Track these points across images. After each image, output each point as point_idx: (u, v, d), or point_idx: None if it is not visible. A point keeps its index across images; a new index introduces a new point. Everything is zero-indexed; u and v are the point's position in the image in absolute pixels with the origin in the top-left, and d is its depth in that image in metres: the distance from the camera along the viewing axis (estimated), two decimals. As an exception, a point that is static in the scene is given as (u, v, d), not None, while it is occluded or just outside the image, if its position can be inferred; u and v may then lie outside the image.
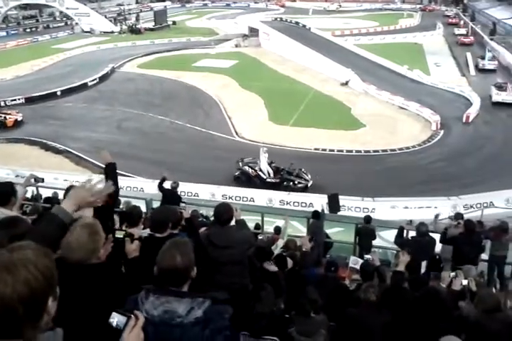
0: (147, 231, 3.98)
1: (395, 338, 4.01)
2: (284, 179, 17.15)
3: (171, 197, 9.27)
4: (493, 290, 7.20)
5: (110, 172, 3.54)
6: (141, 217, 4.87)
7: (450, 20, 60.10)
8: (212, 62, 38.04)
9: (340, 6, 73.02)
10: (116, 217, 5.69)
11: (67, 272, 2.30)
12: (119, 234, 3.91)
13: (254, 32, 45.57)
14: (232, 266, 4.07)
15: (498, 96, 27.13)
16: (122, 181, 15.81)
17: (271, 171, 17.34)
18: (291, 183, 16.94)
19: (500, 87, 27.90)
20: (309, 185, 17.01)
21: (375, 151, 20.66)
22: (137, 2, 76.35)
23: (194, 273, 2.30)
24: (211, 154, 19.85)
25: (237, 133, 23.00)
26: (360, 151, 20.71)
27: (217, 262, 3.91)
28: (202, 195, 15.64)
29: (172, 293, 2.19)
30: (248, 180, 17.38)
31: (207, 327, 2.12)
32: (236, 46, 44.90)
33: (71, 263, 2.35)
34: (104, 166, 3.56)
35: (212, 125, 24.03)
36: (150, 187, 14.68)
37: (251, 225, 10.46)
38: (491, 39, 44.66)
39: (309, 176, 17.25)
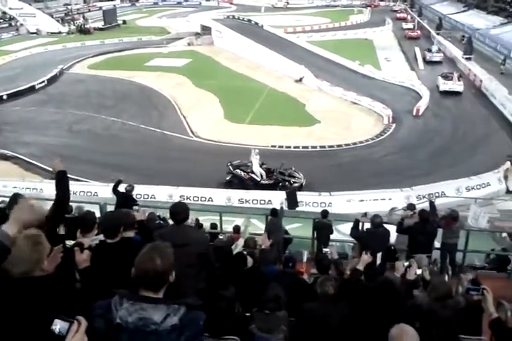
0: (100, 237, 3.88)
1: (352, 330, 4.09)
2: (278, 180, 16.91)
3: (125, 200, 9.08)
4: (446, 277, 7.49)
5: (61, 180, 3.47)
6: (95, 223, 4.72)
7: (398, 15, 62.19)
8: (165, 62, 37.55)
9: (287, 3, 73.79)
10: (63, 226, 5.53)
11: (10, 286, 2.21)
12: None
13: (206, 30, 45.29)
14: (187, 267, 4.02)
15: (444, 85, 28.52)
16: (75, 186, 15.62)
17: (263, 173, 17.03)
18: (287, 183, 16.74)
19: (447, 77, 29.30)
20: (303, 183, 16.88)
21: (330, 147, 20.95)
22: (85, 1, 74.20)
23: (172, 277, 2.27)
24: (167, 155, 19.59)
25: (193, 133, 22.76)
26: (315, 147, 20.96)
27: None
28: (159, 196, 15.39)
29: (147, 300, 2.15)
30: (241, 183, 16.92)
31: (182, 334, 2.11)
32: (189, 44, 44.51)
33: (14, 276, 2.26)
34: (55, 174, 3.46)
35: (167, 125, 23.69)
36: (105, 191, 14.34)
37: (206, 225, 10.50)
38: (438, 33, 46.33)
39: (301, 175, 17.13)
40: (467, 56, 35.84)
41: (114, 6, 64.05)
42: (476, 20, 48.49)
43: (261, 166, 17.05)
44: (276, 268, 5.98)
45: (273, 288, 4.40)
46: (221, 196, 15.55)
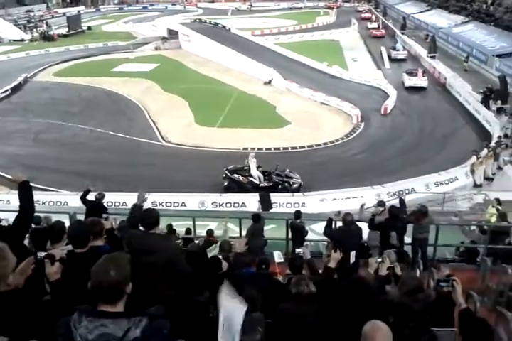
0: (69, 247, 3.79)
1: (327, 328, 4.11)
2: (276, 182, 16.85)
3: (95, 208, 8.90)
4: (418, 271, 7.60)
5: (24, 191, 3.44)
6: (64, 232, 4.62)
7: (363, 15, 63.65)
8: (132, 67, 37.20)
9: (251, 5, 74.28)
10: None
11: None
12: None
13: (173, 34, 45.12)
14: (155, 274, 3.96)
15: (409, 81, 29.66)
16: (44, 196, 15.25)
17: (261, 176, 16.91)
18: (287, 184, 16.70)
19: (411, 73, 30.40)
20: (302, 183, 16.85)
21: (301, 147, 21.08)
22: (47, 7, 72.76)
23: (129, 288, 2.22)
24: (137, 161, 19.32)
25: (163, 138, 22.56)
26: (287, 148, 21.06)
27: (139, 269, 3.80)
28: (130, 203, 15.01)
29: (106, 315, 2.10)
30: (240, 188, 16.73)
31: None
32: (156, 49, 44.25)
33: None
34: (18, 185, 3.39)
35: (137, 131, 23.42)
36: (74, 200, 14.05)
37: (181, 230, 10.41)
38: (402, 33, 47.34)
39: (297, 175, 17.12)
40: (431, 54, 36.72)
41: (79, 11, 63.11)
42: (439, 19, 49.67)
43: (257, 169, 16.95)
44: (251, 270, 5.98)
45: (247, 290, 4.38)
46: (194, 200, 15.41)
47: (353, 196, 15.08)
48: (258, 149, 20.93)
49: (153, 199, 15.38)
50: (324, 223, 8.48)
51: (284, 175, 17.06)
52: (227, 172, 17.06)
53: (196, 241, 9.10)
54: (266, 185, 16.72)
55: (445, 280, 3.85)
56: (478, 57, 34.50)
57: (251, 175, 16.82)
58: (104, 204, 9.82)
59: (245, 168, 17.02)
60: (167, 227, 9.37)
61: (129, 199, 15.37)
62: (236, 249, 6.70)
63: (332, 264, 4.94)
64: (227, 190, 16.73)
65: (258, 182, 16.77)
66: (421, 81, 29.56)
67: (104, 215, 6.84)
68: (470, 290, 5.43)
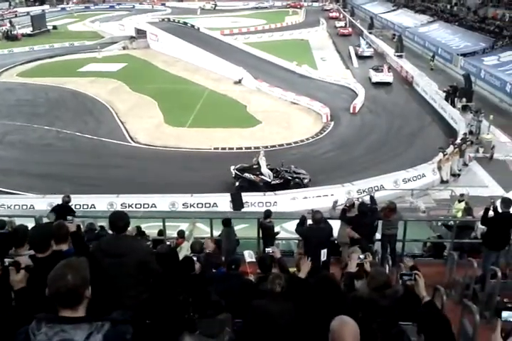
0: (31, 252, 3.67)
1: (298, 325, 4.12)
2: (286, 178, 16.84)
3: (62, 211, 8.68)
4: (386, 267, 7.70)
5: None
6: (27, 236, 4.49)
7: (331, 14, 64.70)
8: (100, 67, 36.61)
9: (215, 5, 74.21)
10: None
11: None
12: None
13: (141, 33, 44.66)
14: (126, 278, 3.88)
15: (376, 77, 30.88)
16: (9, 200, 14.85)
17: (271, 173, 16.92)
18: (297, 180, 16.72)
19: (377, 69, 31.66)
20: (310, 178, 16.92)
21: (272, 146, 21.08)
22: (10, 6, 70.75)
23: (89, 292, 2.17)
24: (106, 162, 18.97)
25: (132, 139, 22.22)
26: (258, 148, 20.94)
27: (109, 273, 3.70)
28: (99, 206, 14.83)
29: (66, 320, 2.05)
30: (252, 186, 16.60)
31: None
32: (124, 49, 43.72)
33: None
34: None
35: (105, 132, 23.02)
36: (41, 203, 13.73)
37: (153, 232, 10.27)
38: (370, 33, 48.10)
39: (303, 170, 17.17)
40: (399, 53, 37.42)
41: (43, 11, 61.70)
42: (405, 19, 50.69)
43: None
44: (222, 270, 5.95)
45: (210, 293, 4.34)
46: (164, 202, 15.21)
47: (324, 194, 15.18)
48: (229, 149, 20.96)
49: (123, 201, 15.22)
50: (295, 222, 8.51)
51: (291, 171, 17.12)
52: (237, 172, 16.96)
53: (168, 243, 9.00)
54: (277, 181, 16.76)
55: (408, 274, 3.90)
56: (443, 56, 35.39)
57: (262, 173, 16.83)
58: (72, 207, 9.63)
59: (254, 166, 17.01)
60: (136, 229, 9.21)
61: (98, 201, 15.19)
62: (206, 248, 6.66)
63: (302, 275, 4.93)
64: (240, 189, 16.44)
65: (270, 180, 16.79)
66: (387, 76, 30.77)
67: (69, 218, 6.64)
68: (437, 284, 5.53)
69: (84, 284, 2.15)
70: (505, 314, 2.95)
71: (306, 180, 16.83)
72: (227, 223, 8.69)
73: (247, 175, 16.86)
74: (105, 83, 31.86)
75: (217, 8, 74.41)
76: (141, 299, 3.87)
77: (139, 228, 9.41)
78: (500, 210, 7.32)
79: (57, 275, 2.12)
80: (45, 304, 2.42)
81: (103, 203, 15.02)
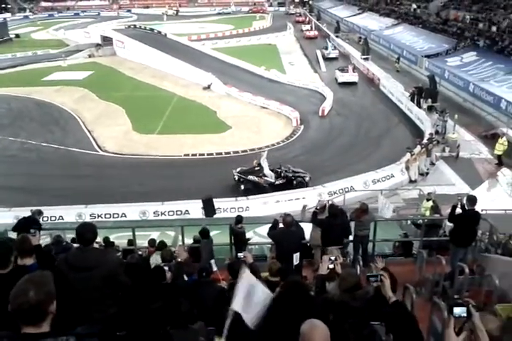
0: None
1: (269, 330, 4.08)
2: (289, 178, 16.97)
3: (27, 224, 8.41)
4: (358, 268, 7.77)
5: None
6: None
7: (297, 18, 65.67)
8: (65, 75, 35.91)
9: (177, 10, 74.19)
10: None
11: None
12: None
13: (107, 41, 44.10)
14: (93, 292, 3.76)
15: (342, 77, 32.22)
16: (-30, 214, 14.28)
17: (273, 174, 17.04)
18: (300, 179, 16.88)
19: (343, 70, 32.98)
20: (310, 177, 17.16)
21: (243, 151, 21.08)
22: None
23: (53, 307, 2.10)
24: (73, 172, 18.50)
25: (99, 147, 21.83)
26: (229, 153, 21.00)
27: (76, 287, 3.59)
28: (67, 217, 14.47)
29: (30, 337, 2.00)
30: (257, 188, 16.70)
31: None
32: (90, 56, 43.10)
33: None
34: None
35: (71, 141, 22.55)
36: (6, 216, 13.29)
37: (124, 242, 10.08)
38: (337, 36, 48.82)
39: (301, 169, 17.38)
40: (365, 56, 38.03)
41: (5, 19, 60.37)
42: (371, 22, 51.62)
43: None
44: (193, 278, 5.88)
45: (182, 303, 4.27)
46: (134, 211, 14.94)
47: (296, 197, 15.23)
48: (199, 155, 20.81)
49: (92, 212, 14.90)
50: (268, 226, 8.48)
51: (290, 170, 17.24)
52: (240, 175, 17.10)
53: (140, 252, 8.85)
54: (280, 182, 16.91)
55: (374, 276, 3.91)
56: (408, 58, 36.15)
57: (265, 175, 16.97)
58: (40, 219, 9.36)
59: (256, 168, 17.17)
60: (104, 240, 9.03)
61: (66, 212, 14.83)
62: (178, 257, 6.56)
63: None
64: (246, 191, 16.56)
65: (273, 181, 16.92)
66: (352, 76, 32.08)
67: (32, 231, 6.42)
68: (408, 283, 5.59)
69: (48, 299, 2.09)
70: (456, 310, 3.00)
71: (307, 178, 17.03)
72: (204, 235, 8.55)
73: (251, 177, 17.01)
74: (71, 92, 31.30)
75: (180, 14, 74.23)
76: (109, 312, 3.75)
77: (106, 239, 9.23)
78: (466, 208, 7.47)
79: (19, 291, 2.06)
80: (8, 321, 2.33)
81: (71, 214, 14.67)
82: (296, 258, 7.07)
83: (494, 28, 30.64)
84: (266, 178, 17.03)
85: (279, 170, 17.22)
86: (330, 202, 8.98)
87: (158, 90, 31.84)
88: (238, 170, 17.31)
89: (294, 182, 16.97)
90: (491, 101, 23.26)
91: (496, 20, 31.38)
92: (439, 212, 10.10)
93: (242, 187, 16.97)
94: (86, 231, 3.85)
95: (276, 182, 16.97)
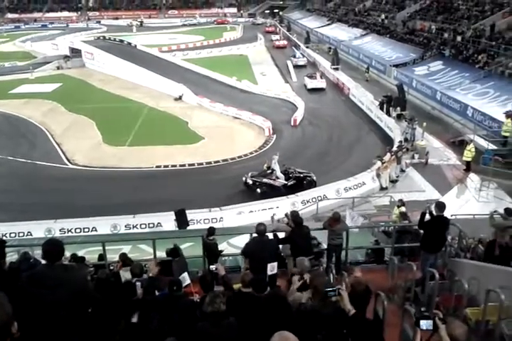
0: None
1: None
2: (300, 178, 17.46)
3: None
4: (331, 276, 7.75)
5: None
6: None
7: (267, 28, 66.51)
8: (33, 88, 35.31)
9: (141, 22, 74.23)
10: None
11: None
12: None
13: (76, 52, 43.57)
14: (61, 309, 3.63)
15: (311, 84, 33.71)
16: None
17: (283, 176, 17.54)
18: (308, 178, 17.44)
19: (311, 77, 34.53)
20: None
21: (216, 162, 21.01)
22: None
23: (15, 328, 2.03)
24: (41, 187, 18.07)
25: (69, 160, 21.42)
26: (202, 164, 20.88)
27: (42, 305, 3.48)
28: (36, 233, 14.07)
29: None
30: (272, 190, 16.98)
31: None
32: (58, 68, 42.51)
33: None
34: None
35: (39, 155, 22.06)
36: (-30, 233, 12.84)
37: (95, 257, 9.83)
38: (307, 47, 49.48)
39: (304, 170, 17.99)
40: (335, 66, 38.61)
41: (-32, 31, 58.89)
42: (340, 32, 52.49)
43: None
44: (165, 293, 5.77)
45: (153, 319, 4.19)
46: (106, 224, 14.65)
47: (270, 207, 15.21)
48: (172, 166, 20.62)
49: (61, 227, 14.53)
50: (242, 237, 8.40)
51: (296, 171, 17.77)
52: (255, 179, 17.48)
53: (111, 267, 8.63)
54: (292, 183, 17.38)
55: (332, 290, 3.89)
56: (377, 67, 36.86)
57: (277, 177, 17.46)
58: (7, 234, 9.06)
59: (268, 171, 17.65)
60: (71, 257, 8.78)
61: (34, 227, 14.43)
62: (149, 272, 6.43)
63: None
64: (263, 194, 16.87)
65: (286, 182, 17.35)
66: (320, 83, 33.61)
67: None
68: (381, 290, 5.61)
69: (10, 320, 2.01)
70: (423, 323, 3.04)
71: (314, 177, 17.54)
72: (175, 253, 8.33)
73: (265, 180, 17.39)
74: (39, 104, 30.75)
75: (145, 25, 74.10)
76: (78, 329, 3.64)
77: (74, 255, 8.99)
78: (434, 214, 7.58)
79: None
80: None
81: (40, 230, 14.29)
82: (271, 268, 6.99)
83: (459, 38, 31.56)
84: (279, 180, 17.44)
85: (288, 172, 17.76)
86: (290, 211, 8.84)
87: (129, 102, 31.57)
88: (250, 174, 17.73)
89: (304, 182, 17.42)
90: (457, 109, 23.85)
91: (461, 30, 32.36)
92: (407, 218, 10.24)
93: (259, 190, 17.27)
94: (52, 247, 3.74)
95: (289, 183, 17.39)
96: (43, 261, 3.87)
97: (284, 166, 17.97)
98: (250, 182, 17.54)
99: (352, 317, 3.69)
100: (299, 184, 17.33)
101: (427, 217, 7.66)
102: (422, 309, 4.67)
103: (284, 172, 17.79)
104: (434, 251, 7.64)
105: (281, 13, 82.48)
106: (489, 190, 16.40)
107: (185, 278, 6.31)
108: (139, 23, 72.15)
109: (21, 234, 14.06)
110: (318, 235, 9.09)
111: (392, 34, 41.33)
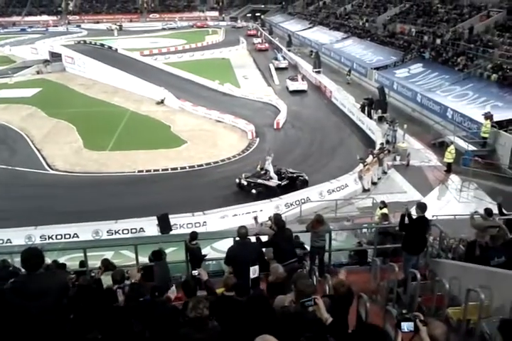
0: None
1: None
2: (292, 178, 17.79)
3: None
4: (314, 278, 7.76)
5: None
6: None
7: (249, 32, 66.83)
8: (12, 92, 34.80)
9: (121, 26, 73.83)
10: None
11: None
12: None
13: (56, 57, 43.10)
14: (46, 315, 3.57)
15: (292, 86, 34.32)
16: None
17: (276, 176, 17.80)
18: (300, 177, 17.78)
19: (293, 79, 35.18)
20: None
21: (199, 166, 20.92)
22: None
23: None
24: (21, 193, 17.70)
25: (49, 166, 21.10)
26: (185, 168, 20.76)
27: (28, 315, 3.46)
28: (16, 240, 13.80)
29: None
30: (268, 190, 17.18)
31: None
32: (38, 73, 41.92)
33: None
34: None
35: (19, 160, 21.67)
36: None
37: (75, 263, 9.70)
38: (289, 50, 49.71)
39: (295, 170, 18.41)
40: (317, 69, 38.84)
41: None
42: (321, 35, 52.79)
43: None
44: (147, 299, 5.72)
45: (133, 325, 4.15)
46: (87, 230, 14.43)
47: (253, 210, 15.16)
48: (154, 170, 20.46)
49: (42, 233, 14.29)
50: (226, 241, 8.35)
51: (288, 172, 18.08)
52: (250, 180, 17.65)
53: (93, 274, 8.52)
54: (285, 182, 17.66)
55: (307, 300, 3.88)
56: (358, 70, 37.16)
57: (271, 177, 17.73)
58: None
59: (262, 172, 17.93)
60: (53, 264, 8.64)
61: (14, 235, 14.17)
62: (131, 278, 6.36)
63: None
64: (259, 195, 17.00)
65: (280, 182, 17.61)
66: (301, 85, 34.15)
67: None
68: (364, 291, 5.63)
69: None
70: (404, 325, 3.06)
71: (306, 177, 17.86)
72: (157, 256, 8.23)
73: (260, 181, 17.56)
74: (18, 109, 30.29)
75: (124, 29, 73.56)
76: (60, 338, 3.63)
77: (55, 262, 8.87)
78: (416, 215, 7.65)
79: None
80: None
81: (20, 237, 14.02)
82: (253, 271, 6.96)
83: (438, 41, 32.07)
84: (273, 180, 17.69)
85: (281, 172, 18.02)
86: (273, 214, 8.81)
87: (110, 106, 31.31)
88: (244, 176, 17.92)
89: (297, 181, 17.71)
90: (437, 111, 24.17)
91: (440, 33, 32.88)
92: (388, 219, 10.32)
93: (254, 191, 17.35)
94: (31, 256, 3.70)
95: (283, 183, 17.62)
96: (23, 270, 3.82)
97: (275, 167, 18.11)
98: (245, 183, 17.69)
99: (330, 326, 3.69)
100: (292, 184, 17.58)
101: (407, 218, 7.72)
102: (404, 311, 4.70)
103: (277, 172, 17.98)
104: (416, 253, 7.70)
105: (262, 16, 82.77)
106: (470, 190, 16.66)
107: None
108: (118, 27, 71.63)
109: (0, 242, 13.78)
110: (302, 238, 9.11)
111: (373, 37, 41.77)
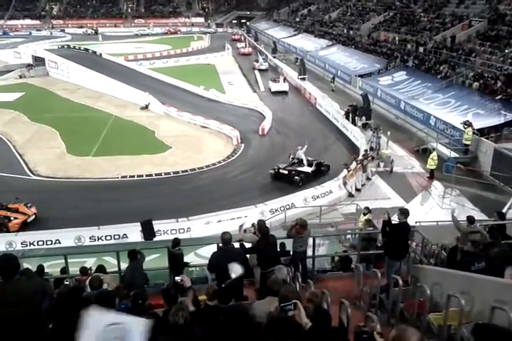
0: None
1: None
2: (318, 164, 19.70)
3: None
4: (297, 284, 7.73)
5: None
6: None
7: (233, 37, 67.77)
8: (-6, 97, 34.26)
9: (96, 30, 73.63)
10: None
11: None
12: None
13: (39, 61, 42.73)
14: (25, 322, 3.50)
15: (274, 87, 36.41)
16: None
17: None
18: (325, 163, 20.00)
19: (275, 80, 37.35)
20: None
21: (183, 171, 20.81)
22: None
23: None
24: (2, 199, 17.29)
25: (31, 171, 20.79)
26: (169, 173, 20.65)
27: (7, 324, 3.38)
28: (-4, 248, 13.56)
29: None
30: (307, 177, 18.85)
31: None
32: (20, 77, 41.55)
33: None
34: None
35: (1, 166, 21.21)
36: None
37: (57, 270, 9.54)
38: (274, 57, 49.98)
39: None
40: (302, 76, 39.07)
41: None
42: (306, 43, 53.13)
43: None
44: (126, 305, 5.65)
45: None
46: (69, 236, 14.21)
47: (238, 216, 15.11)
48: (138, 176, 20.29)
49: (23, 239, 14.05)
50: (210, 246, 8.29)
51: (307, 159, 19.67)
52: (290, 168, 19.15)
53: (66, 282, 8.39)
54: (314, 169, 19.41)
55: (287, 305, 3.84)
56: (343, 77, 37.45)
57: (305, 165, 19.38)
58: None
59: (295, 161, 19.57)
60: (37, 269, 8.54)
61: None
62: (108, 285, 6.27)
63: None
64: (301, 182, 18.50)
65: (312, 168, 19.34)
66: (282, 86, 36.21)
67: None
68: (348, 297, 5.63)
69: None
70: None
71: (326, 163, 20.06)
72: (132, 256, 8.18)
73: (299, 168, 19.19)
74: (0, 114, 29.93)
75: (100, 33, 73.29)
76: None
77: (40, 267, 8.76)
78: (398, 220, 7.70)
79: None
80: None
81: (0, 243, 13.76)
82: (234, 268, 6.84)
83: (421, 49, 32.53)
84: (307, 167, 19.32)
85: (308, 160, 19.60)
86: (257, 220, 8.78)
87: (94, 111, 31.05)
88: (281, 166, 19.34)
89: (322, 167, 19.76)
90: (421, 118, 24.43)
91: (423, 41, 33.37)
92: (373, 224, 10.37)
93: (297, 178, 18.72)
94: (6, 264, 3.59)
95: (313, 169, 19.33)
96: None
97: (290, 154, 19.90)
98: (285, 172, 19.05)
99: (309, 331, 3.66)
100: (318, 169, 19.46)
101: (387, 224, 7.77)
102: (360, 324, 4.69)
103: (297, 161, 19.55)
104: (398, 258, 7.75)
105: (248, 23, 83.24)
106: (452, 197, 16.85)
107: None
108: (93, 31, 71.33)
109: (-21, 249, 13.51)
110: (287, 245, 9.09)
111: (357, 45, 42.19)
